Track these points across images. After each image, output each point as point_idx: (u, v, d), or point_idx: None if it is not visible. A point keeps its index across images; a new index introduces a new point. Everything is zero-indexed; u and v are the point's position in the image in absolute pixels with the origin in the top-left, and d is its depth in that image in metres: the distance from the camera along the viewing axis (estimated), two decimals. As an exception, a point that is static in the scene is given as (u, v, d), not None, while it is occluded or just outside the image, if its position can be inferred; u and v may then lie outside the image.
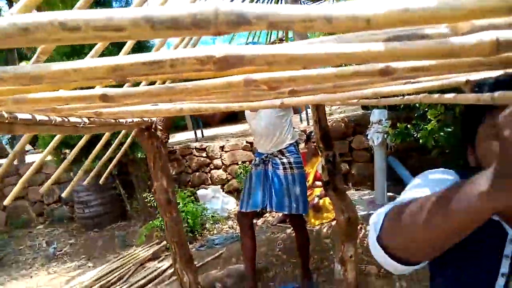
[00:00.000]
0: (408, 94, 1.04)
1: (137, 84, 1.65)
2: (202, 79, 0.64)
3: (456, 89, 0.96)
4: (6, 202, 1.67)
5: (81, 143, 1.99)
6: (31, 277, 3.86)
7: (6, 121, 0.95)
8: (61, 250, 4.54)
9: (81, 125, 1.40)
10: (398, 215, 0.62)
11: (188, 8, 0.36)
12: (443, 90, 0.96)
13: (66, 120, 1.29)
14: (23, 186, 1.63)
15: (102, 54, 1.46)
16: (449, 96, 0.90)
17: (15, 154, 1.43)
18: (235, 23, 0.36)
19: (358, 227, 2.69)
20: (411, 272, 0.63)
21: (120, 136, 2.42)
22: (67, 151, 4.54)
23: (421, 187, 0.78)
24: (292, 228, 3.66)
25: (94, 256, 4.22)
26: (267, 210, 2.73)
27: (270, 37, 5.44)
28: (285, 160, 2.62)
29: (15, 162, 7.14)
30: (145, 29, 0.36)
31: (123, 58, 0.44)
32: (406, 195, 0.76)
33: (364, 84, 0.98)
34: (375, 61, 0.44)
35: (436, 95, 0.99)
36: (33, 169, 1.59)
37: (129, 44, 1.43)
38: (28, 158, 7.15)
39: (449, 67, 0.55)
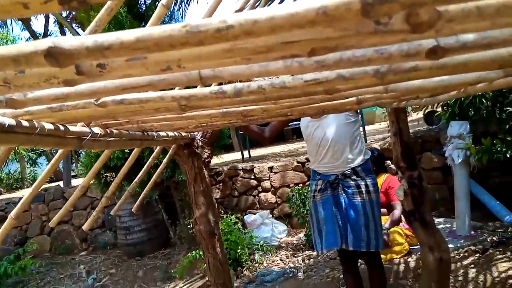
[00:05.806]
0: None
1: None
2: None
3: None
4: (51, 223, 1.69)
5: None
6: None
7: None
8: (100, 281, 4.24)
9: (89, 137, 1.01)
10: None
11: None
12: None
13: (63, 128, 0.90)
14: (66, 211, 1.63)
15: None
16: None
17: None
18: None
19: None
20: None
21: (155, 154, 2.04)
22: (108, 174, 4.30)
23: None
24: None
25: (133, 290, 3.87)
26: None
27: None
28: (361, 183, 2.03)
29: (62, 185, 7.11)
30: None
31: None
32: None
33: None
34: None
35: None
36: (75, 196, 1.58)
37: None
38: (75, 182, 7.08)
39: None
